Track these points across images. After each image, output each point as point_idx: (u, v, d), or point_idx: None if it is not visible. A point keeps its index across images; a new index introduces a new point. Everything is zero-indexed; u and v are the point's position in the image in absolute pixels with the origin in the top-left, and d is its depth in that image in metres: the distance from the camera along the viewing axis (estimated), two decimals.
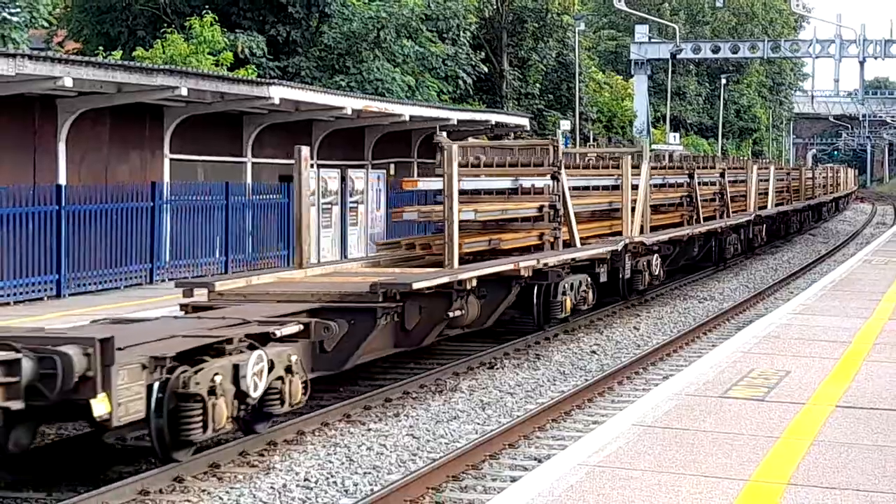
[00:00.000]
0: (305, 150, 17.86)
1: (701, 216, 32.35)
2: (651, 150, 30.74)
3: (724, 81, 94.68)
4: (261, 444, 12.83)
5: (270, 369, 12.24)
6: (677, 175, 32.81)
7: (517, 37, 60.28)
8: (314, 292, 15.71)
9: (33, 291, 20.35)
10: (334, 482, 11.65)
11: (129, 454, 12.43)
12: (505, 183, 22.72)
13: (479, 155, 23.01)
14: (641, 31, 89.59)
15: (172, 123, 24.89)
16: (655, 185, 29.59)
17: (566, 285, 20.77)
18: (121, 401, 10.54)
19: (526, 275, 18.96)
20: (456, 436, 13.73)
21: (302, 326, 13.60)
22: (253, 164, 27.65)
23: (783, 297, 27.57)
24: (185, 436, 11.27)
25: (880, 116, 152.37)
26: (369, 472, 12.04)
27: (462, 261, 18.61)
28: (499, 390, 16.48)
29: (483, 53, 51.80)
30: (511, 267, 18.66)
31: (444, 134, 23.11)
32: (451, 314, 17.06)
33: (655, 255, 26.24)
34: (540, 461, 11.97)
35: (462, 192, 19.76)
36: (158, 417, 11.12)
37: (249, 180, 27.15)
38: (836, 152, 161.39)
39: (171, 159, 25.12)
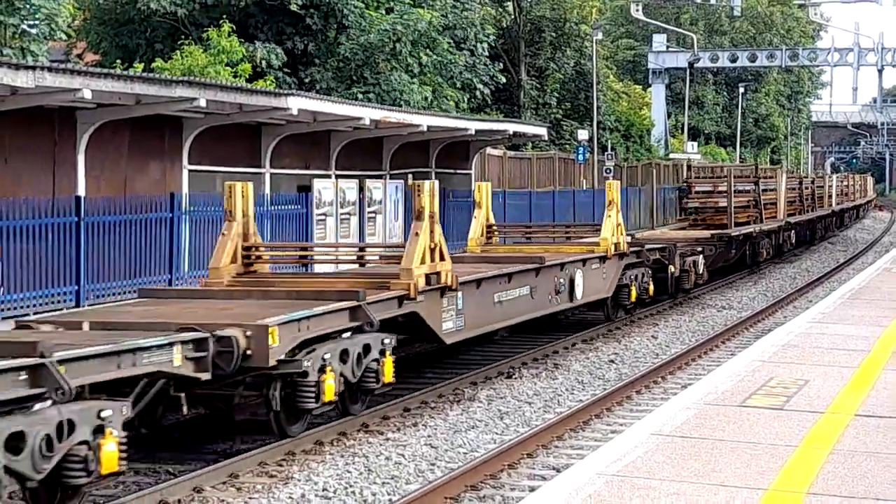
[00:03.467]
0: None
1: (805, 210, 49.11)
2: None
3: (741, 90, 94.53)
4: (279, 454, 12.87)
5: (695, 263, 28.18)
6: (793, 182, 48.64)
7: (535, 46, 60.28)
8: (681, 238, 31.51)
9: (52, 302, 20.38)
10: (353, 492, 11.68)
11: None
12: (722, 186, 39.81)
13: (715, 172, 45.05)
14: (659, 41, 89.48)
15: (191, 134, 24.95)
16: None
17: (763, 243, 37.45)
18: (674, 268, 26.43)
19: (755, 234, 36.51)
20: (474, 445, 13.75)
21: (701, 248, 29.27)
22: (271, 174, 27.69)
23: (802, 306, 27.52)
24: (683, 286, 27.70)
25: None
26: (388, 482, 12.06)
27: (721, 226, 36.74)
28: (517, 400, 16.49)
29: (501, 63, 51.80)
30: (751, 230, 36.35)
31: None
32: (731, 253, 33.66)
33: (792, 231, 43.74)
34: (558, 471, 11.98)
35: (715, 192, 39.67)
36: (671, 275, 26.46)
37: (268, 191, 27.19)
38: (854, 160, 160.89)
39: (190, 170, 25.17)
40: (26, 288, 19.75)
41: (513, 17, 59.37)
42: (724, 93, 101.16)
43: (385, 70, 39.01)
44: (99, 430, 10.22)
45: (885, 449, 10.01)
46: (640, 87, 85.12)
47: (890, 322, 18.54)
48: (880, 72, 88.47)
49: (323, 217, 27.26)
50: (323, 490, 11.72)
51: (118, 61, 35.40)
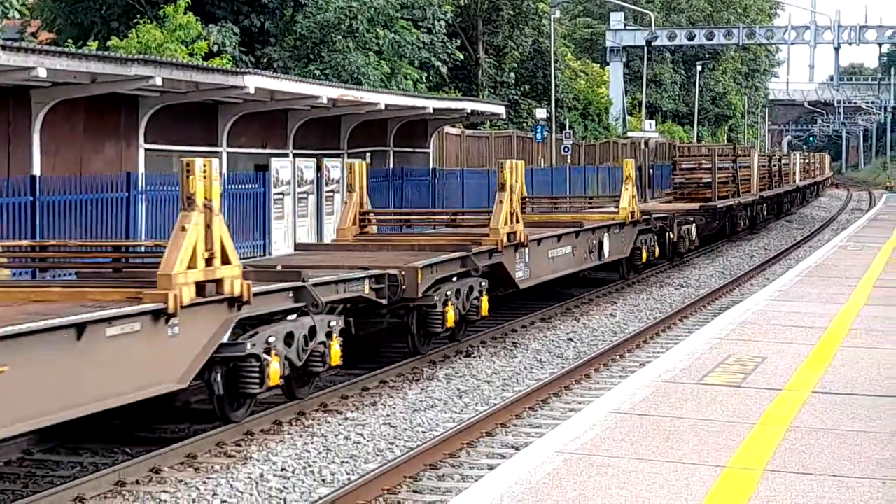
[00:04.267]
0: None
1: (774, 185, 53.68)
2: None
3: (699, 68, 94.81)
4: (237, 434, 12.82)
5: (689, 231, 31.83)
6: (763, 160, 53.47)
7: (493, 25, 60.20)
8: (675, 208, 34.02)
9: None
10: (311, 472, 11.65)
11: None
12: (706, 164, 43.23)
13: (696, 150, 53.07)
14: (617, 19, 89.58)
15: (147, 113, 24.77)
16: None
17: (740, 215, 42.05)
18: (672, 234, 30.29)
19: (734, 207, 40.80)
20: (433, 424, 13.75)
21: (692, 218, 32.63)
22: (228, 153, 27.54)
23: (759, 284, 27.65)
24: (679, 251, 31.68)
25: (855, 102, 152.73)
26: (347, 462, 12.04)
27: (705, 200, 39.11)
28: (476, 378, 16.49)
29: (458, 41, 51.69)
30: (731, 203, 40.50)
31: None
32: (714, 224, 37.32)
33: (764, 205, 48.80)
34: (517, 449, 11.99)
35: (699, 169, 43.23)
36: (670, 240, 30.21)
37: (225, 170, 27.04)
38: (811, 138, 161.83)
39: (147, 149, 24.99)
40: None
41: None
42: (682, 71, 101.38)
43: (342, 48, 38.86)
44: (328, 335, 14.22)
45: (842, 425, 10.07)
46: (598, 65, 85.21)
47: (847, 299, 18.66)
48: (837, 50, 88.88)
49: (280, 196, 27.15)
50: (282, 470, 11.69)
51: (72, 40, 35.09)
